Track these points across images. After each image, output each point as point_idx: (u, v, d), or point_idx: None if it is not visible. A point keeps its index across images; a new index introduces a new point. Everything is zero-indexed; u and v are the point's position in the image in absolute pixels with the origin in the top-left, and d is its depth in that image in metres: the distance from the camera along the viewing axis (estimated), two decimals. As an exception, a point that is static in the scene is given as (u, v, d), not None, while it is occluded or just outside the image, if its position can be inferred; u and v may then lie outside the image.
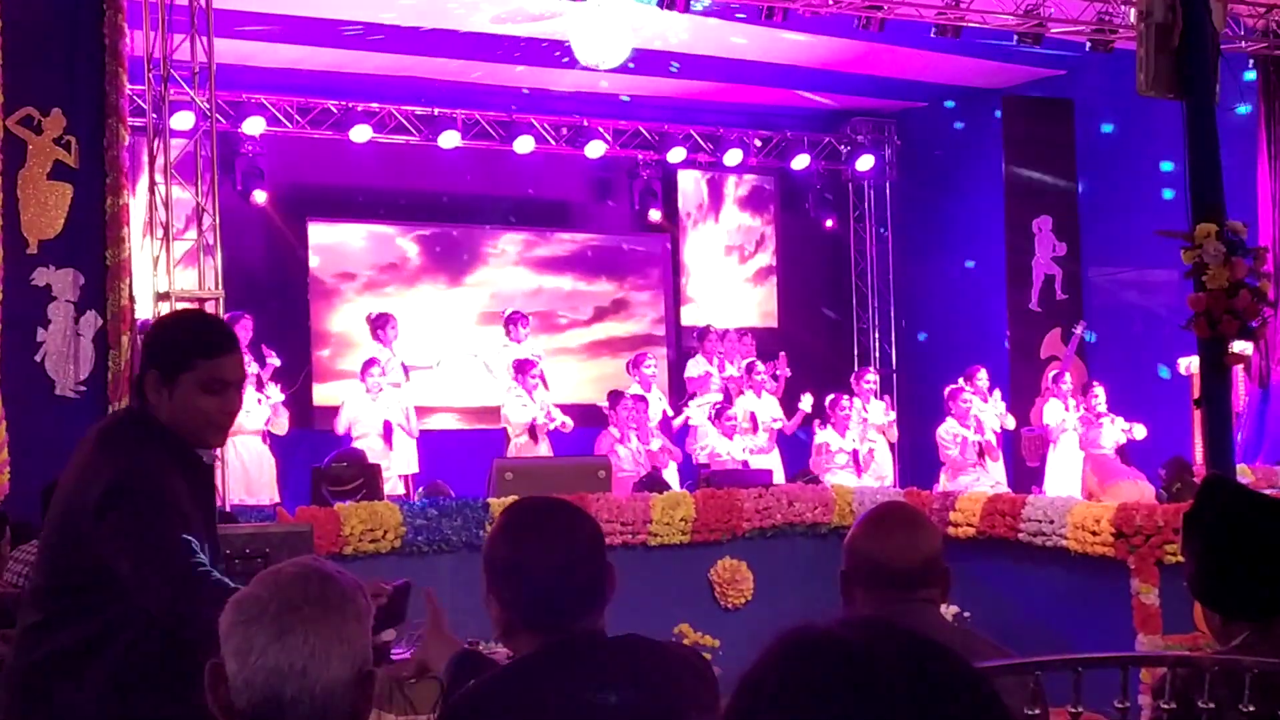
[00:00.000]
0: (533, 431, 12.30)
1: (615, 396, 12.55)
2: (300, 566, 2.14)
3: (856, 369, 14.69)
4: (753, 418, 13.12)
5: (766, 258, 16.20)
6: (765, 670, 1.17)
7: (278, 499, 11.31)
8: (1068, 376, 13.53)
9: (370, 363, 12.10)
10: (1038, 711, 2.80)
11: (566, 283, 15.19)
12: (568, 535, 2.62)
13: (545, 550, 2.59)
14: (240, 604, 2.10)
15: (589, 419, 13.15)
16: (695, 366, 13.95)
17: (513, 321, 13.16)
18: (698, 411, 13.23)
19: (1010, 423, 13.38)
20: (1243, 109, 12.93)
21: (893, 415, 14.00)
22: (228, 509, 8.95)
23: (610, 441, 12.20)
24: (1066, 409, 13.25)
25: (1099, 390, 13.06)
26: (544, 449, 12.36)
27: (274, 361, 11.78)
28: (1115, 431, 12.85)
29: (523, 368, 12.44)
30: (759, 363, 13.65)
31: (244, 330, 11.74)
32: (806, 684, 1.15)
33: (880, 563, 2.99)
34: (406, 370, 12.34)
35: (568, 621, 2.56)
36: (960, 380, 13.21)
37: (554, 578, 2.56)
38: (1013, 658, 2.98)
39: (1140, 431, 12.83)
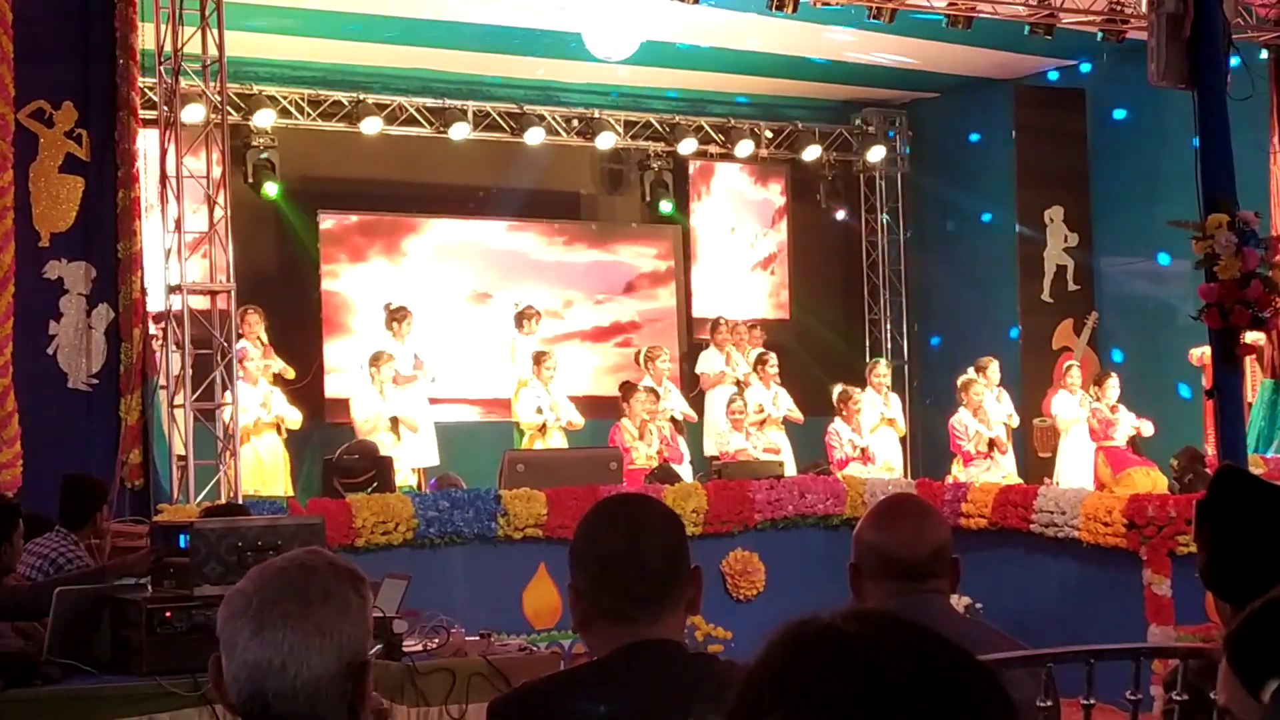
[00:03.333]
0: (542, 426, 12.31)
1: (628, 388, 12.55)
2: (287, 560, 2.16)
3: (869, 360, 14.66)
4: (761, 409, 13.11)
5: (777, 249, 16.18)
6: (767, 665, 1.17)
7: (292, 492, 11.32)
8: (1077, 368, 13.49)
9: (382, 357, 12.09)
10: (1050, 703, 2.80)
11: (577, 275, 15.17)
12: (633, 523, 2.60)
13: (607, 536, 2.57)
14: (231, 599, 2.14)
15: (600, 410, 13.15)
16: (707, 359, 13.94)
17: (524, 315, 13.17)
18: (710, 404, 13.21)
19: (1014, 422, 13.33)
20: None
21: (899, 406, 13.99)
22: (239, 501, 8.96)
23: (622, 433, 12.20)
24: (1078, 401, 13.21)
25: (1113, 381, 13.00)
26: (556, 440, 12.36)
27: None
28: (1126, 425, 12.81)
29: (538, 360, 12.45)
30: (770, 355, 13.63)
31: (255, 323, 11.78)
32: (807, 678, 1.15)
33: (888, 554, 2.98)
34: (418, 360, 12.36)
35: (632, 610, 2.52)
36: (972, 370, 13.20)
37: (614, 564, 2.53)
38: (1024, 649, 2.98)
39: (1148, 428, 12.78)
